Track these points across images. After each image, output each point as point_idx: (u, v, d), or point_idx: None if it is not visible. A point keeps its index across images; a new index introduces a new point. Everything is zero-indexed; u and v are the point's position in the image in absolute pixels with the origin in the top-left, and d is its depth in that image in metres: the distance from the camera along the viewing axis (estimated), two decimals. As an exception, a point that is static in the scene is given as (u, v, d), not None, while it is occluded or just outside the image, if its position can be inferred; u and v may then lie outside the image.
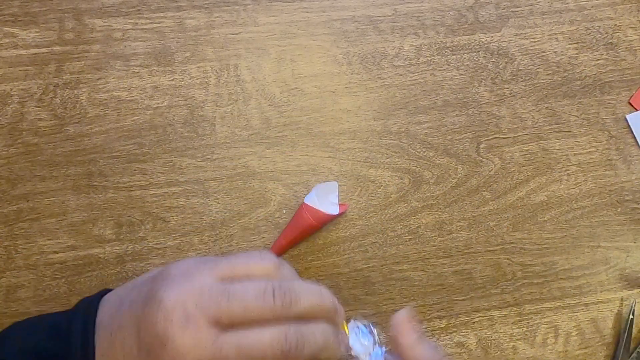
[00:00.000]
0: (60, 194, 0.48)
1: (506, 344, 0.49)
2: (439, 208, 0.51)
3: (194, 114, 0.50)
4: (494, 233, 0.51)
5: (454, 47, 0.53)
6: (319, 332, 0.29)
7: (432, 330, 0.49)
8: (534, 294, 0.50)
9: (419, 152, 0.51)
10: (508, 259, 0.50)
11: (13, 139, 0.49)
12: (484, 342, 0.49)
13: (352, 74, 0.52)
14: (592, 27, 0.55)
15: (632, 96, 0.54)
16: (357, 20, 0.53)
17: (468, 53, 0.53)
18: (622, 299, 0.50)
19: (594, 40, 0.55)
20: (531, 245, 0.51)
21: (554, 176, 0.52)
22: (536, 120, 0.53)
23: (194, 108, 0.50)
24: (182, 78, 0.51)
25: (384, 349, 0.33)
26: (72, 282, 0.47)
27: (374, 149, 0.51)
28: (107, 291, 0.32)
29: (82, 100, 0.50)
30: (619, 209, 0.52)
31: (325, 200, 0.47)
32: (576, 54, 0.54)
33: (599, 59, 0.54)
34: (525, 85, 0.53)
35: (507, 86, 0.53)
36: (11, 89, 0.49)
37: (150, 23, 0.51)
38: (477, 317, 0.49)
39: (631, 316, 0.49)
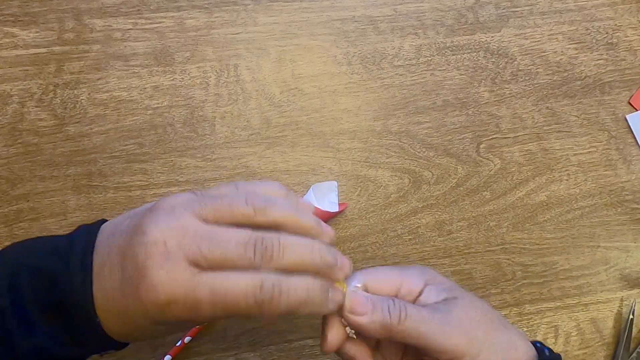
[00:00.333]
0: (60, 194, 0.48)
1: (506, 344, 0.49)
2: (439, 208, 0.51)
3: (194, 114, 0.50)
4: (494, 233, 0.51)
5: (454, 47, 0.53)
6: (301, 287, 0.29)
7: (432, 330, 0.49)
8: (534, 294, 0.50)
9: (419, 152, 0.51)
10: (508, 259, 0.50)
11: (13, 139, 0.49)
12: (484, 342, 0.49)
13: (352, 74, 0.52)
14: (592, 27, 0.55)
15: (632, 96, 0.54)
16: (357, 20, 0.53)
17: (468, 53, 0.53)
18: (622, 299, 0.50)
19: (594, 40, 0.55)
20: (531, 245, 0.51)
21: (554, 176, 0.52)
22: (536, 120, 0.53)
23: (194, 108, 0.50)
24: (182, 78, 0.51)
25: None
26: (72, 282, 0.47)
27: (374, 149, 0.51)
28: (104, 221, 0.33)
29: (82, 100, 0.50)
30: (619, 209, 0.52)
31: (324, 199, 0.47)
32: (576, 54, 0.54)
33: (599, 59, 0.54)
34: (525, 85, 0.53)
35: (507, 86, 0.53)
36: (11, 89, 0.49)
37: (150, 23, 0.51)
38: (477, 317, 0.49)
39: (631, 316, 0.49)
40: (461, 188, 0.51)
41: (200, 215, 0.29)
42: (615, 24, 0.55)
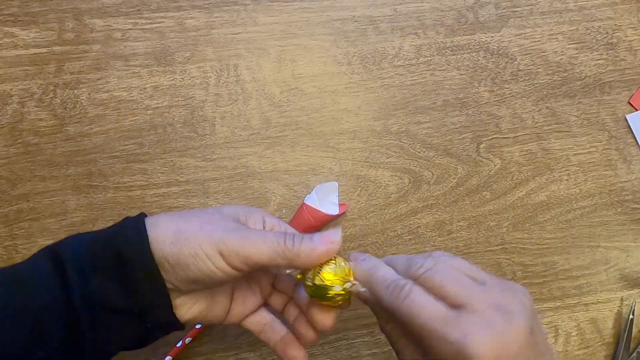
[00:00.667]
0: (60, 194, 0.48)
1: (506, 344, 0.49)
2: (439, 208, 0.51)
3: (194, 114, 0.50)
4: (494, 233, 0.51)
5: (454, 47, 0.53)
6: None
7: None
8: (534, 294, 0.50)
9: (419, 152, 0.51)
10: (508, 259, 0.50)
11: (13, 139, 0.49)
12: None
13: (352, 74, 0.52)
14: (592, 27, 0.55)
15: (632, 96, 0.54)
16: (357, 20, 0.53)
17: (468, 53, 0.53)
18: (622, 299, 0.50)
19: (594, 40, 0.55)
20: (531, 245, 0.51)
21: (554, 176, 0.52)
22: (536, 120, 0.53)
23: (194, 108, 0.50)
24: (182, 78, 0.51)
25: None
26: (72, 282, 0.47)
27: (374, 149, 0.51)
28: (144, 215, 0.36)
29: (82, 100, 0.50)
30: (619, 209, 0.52)
31: (325, 200, 0.47)
32: (576, 54, 0.54)
33: (599, 59, 0.54)
34: (525, 85, 0.53)
35: (507, 86, 0.53)
36: (11, 89, 0.49)
37: (150, 23, 0.51)
38: (477, 317, 0.49)
39: (631, 316, 0.49)
40: (461, 188, 0.51)
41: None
42: (615, 24, 0.55)
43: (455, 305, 0.29)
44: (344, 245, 0.49)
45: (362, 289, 0.33)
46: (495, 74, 0.53)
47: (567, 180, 0.52)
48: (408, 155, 0.51)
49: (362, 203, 0.50)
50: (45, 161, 0.48)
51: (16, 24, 0.50)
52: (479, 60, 0.53)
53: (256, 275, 0.39)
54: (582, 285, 0.50)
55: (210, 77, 0.51)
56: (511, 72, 0.53)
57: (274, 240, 0.33)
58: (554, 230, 0.51)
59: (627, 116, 0.53)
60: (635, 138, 0.53)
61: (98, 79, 0.50)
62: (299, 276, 0.35)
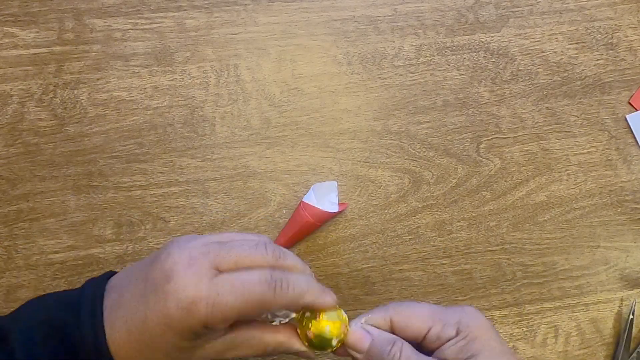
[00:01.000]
0: (60, 194, 0.48)
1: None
2: (439, 208, 0.51)
3: (194, 114, 0.50)
4: (494, 233, 0.51)
5: (454, 47, 0.53)
6: (302, 279, 0.33)
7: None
8: (534, 294, 0.50)
9: (419, 152, 0.51)
10: (508, 259, 0.50)
11: (13, 139, 0.49)
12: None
13: (352, 74, 0.52)
14: (592, 27, 0.55)
15: (632, 96, 0.54)
16: (357, 20, 0.53)
17: (468, 53, 0.53)
18: (622, 299, 0.50)
19: (594, 40, 0.55)
20: (531, 245, 0.51)
21: (554, 176, 0.52)
22: (536, 120, 0.53)
23: (194, 108, 0.50)
24: (182, 78, 0.51)
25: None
26: (72, 282, 0.47)
27: (374, 149, 0.51)
28: (112, 273, 0.35)
29: (82, 100, 0.50)
30: (619, 209, 0.52)
31: (324, 199, 0.47)
32: (576, 54, 0.54)
33: (599, 59, 0.54)
34: (525, 85, 0.53)
35: (507, 86, 0.53)
36: (11, 89, 0.49)
37: (150, 23, 0.51)
38: (477, 317, 0.49)
39: (631, 316, 0.49)
40: (461, 188, 0.51)
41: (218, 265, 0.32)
42: (615, 24, 0.55)
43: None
44: (344, 246, 0.49)
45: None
46: (495, 74, 0.53)
47: (567, 180, 0.52)
48: (408, 155, 0.51)
49: (362, 203, 0.50)
50: (45, 161, 0.48)
51: (16, 24, 0.50)
52: (479, 60, 0.53)
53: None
54: (582, 285, 0.50)
55: (210, 77, 0.51)
56: (511, 72, 0.53)
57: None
58: (554, 230, 0.51)
59: (627, 116, 0.53)
60: (635, 138, 0.53)
61: (98, 79, 0.50)
62: (296, 317, 0.35)
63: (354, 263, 0.49)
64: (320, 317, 0.34)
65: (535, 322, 0.50)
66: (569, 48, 0.54)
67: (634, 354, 0.49)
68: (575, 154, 0.53)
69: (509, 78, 0.53)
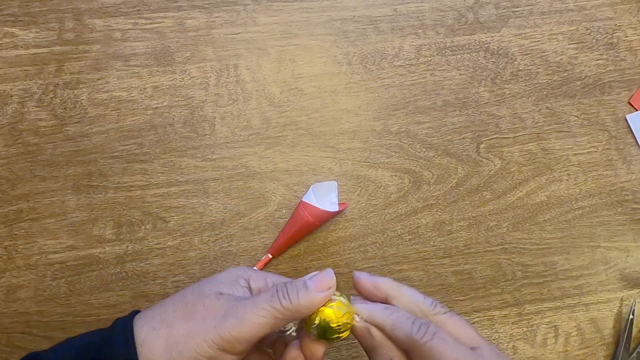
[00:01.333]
0: (60, 194, 0.48)
1: (506, 344, 0.49)
2: (439, 208, 0.51)
3: (194, 114, 0.50)
4: (494, 233, 0.51)
5: (454, 47, 0.53)
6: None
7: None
8: (534, 294, 0.50)
9: (419, 152, 0.51)
10: (508, 259, 0.50)
11: (13, 139, 0.49)
12: (484, 342, 0.49)
13: (352, 74, 0.52)
14: (592, 27, 0.55)
15: (632, 96, 0.54)
16: (357, 20, 0.53)
17: (468, 53, 0.53)
18: (622, 299, 0.50)
19: (594, 40, 0.55)
20: (531, 245, 0.51)
21: (554, 176, 0.52)
22: (536, 120, 0.53)
23: (194, 108, 0.50)
24: (182, 78, 0.51)
25: None
26: (72, 282, 0.47)
27: (374, 149, 0.51)
28: (137, 311, 0.35)
29: (82, 100, 0.50)
30: (619, 209, 0.52)
31: (324, 199, 0.47)
32: (576, 54, 0.54)
33: (599, 59, 0.54)
34: (525, 85, 0.53)
35: (507, 86, 0.53)
36: (11, 89, 0.49)
37: (150, 23, 0.51)
38: (477, 317, 0.49)
39: (631, 316, 0.49)
40: (461, 188, 0.51)
41: None
42: (615, 24, 0.55)
43: (472, 348, 0.31)
44: (344, 246, 0.49)
45: (363, 324, 0.33)
46: (495, 74, 0.53)
47: (567, 180, 0.52)
48: (408, 155, 0.51)
49: (362, 203, 0.50)
50: (45, 161, 0.48)
51: (16, 24, 0.50)
52: (479, 60, 0.53)
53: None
54: (582, 285, 0.50)
55: (210, 77, 0.51)
56: (511, 72, 0.53)
57: (269, 307, 0.32)
58: (554, 230, 0.51)
59: (627, 116, 0.53)
60: (635, 138, 0.53)
61: (98, 79, 0.50)
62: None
63: (354, 263, 0.49)
64: (324, 310, 0.33)
65: (535, 322, 0.50)
66: (569, 48, 0.54)
67: (634, 354, 0.49)
68: (575, 154, 0.53)
69: (509, 78, 0.53)
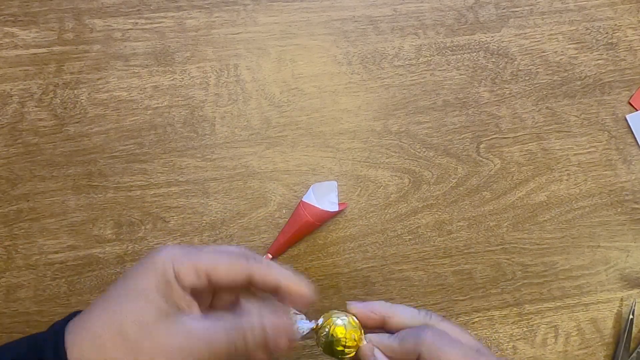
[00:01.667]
0: (60, 194, 0.48)
1: (506, 344, 0.49)
2: (439, 208, 0.51)
3: (194, 114, 0.50)
4: (494, 233, 0.51)
5: (454, 47, 0.53)
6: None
7: (432, 330, 0.49)
8: (534, 294, 0.50)
9: (419, 152, 0.51)
10: (508, 259, 0.50)
11: (13, 139, 0.49)
12: (484, 342, 0.49)
13: (352, 74, 0.52)
14: (592, 27, 0.55)
15: (632, 96, 0.54)
16: (357, 20, 0.53)
17: (468, 53, 0.53)
18: (622, 299, 0.50)
19: (594, 40, 0.55)
20: (531, 245, 0.51)
21: (554, 176, 0.52)
22: (536, 120, 0.53)
23: (194, 108, 0.50)
24: (182, 78, 0.51)
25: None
26: (72, 282, 0.47)
27: (374, 149, 0.51)
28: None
29: (82, 100, 0.50)
30: (619, 209, 0.52)
31: (324, 199, 0.48)
32: (576, 54, 0.54)
33: (599, 59, 0.54)
34: (525, 85, 0.53)
35: (507, 86, 0.53)
36: (11, 89, 0.49)
37: (150, 23, 0.51)
38: (477, 317, 0.49)
39: (631, 316, 0.49)
40: (461, 188, 0.51)
41: None
42: (615, 24, 0.55)
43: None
44: (344, 246, 0.49)
45: (369, 345, 0.35)
46: (495, 74, 0.53)
47: (567, 180, 0.52)
48: (408, 155, 0.51)
49: (362, 203, 0.50)
50: (45, 161, 0.48)
51: (16, 24, 0.50)
52: (479, 60, 0.53)
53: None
54: (582, 285, 0.50)
55: (210, 77, 0.51)
56: (511, 72, 0.53)
57: (226, 345, 0.30)
58: (554, 230, 0.51)
59: (627, 116, 0.53)
60: (635, 138, 0.53)
61: (98, 79, 0.50)
62: (314, 327, 0.35)
63: (354, 263, 0.49)
64: (336, 327, 0.34)
65: (535, 322, 0.50)
66: (569, 48, 0.54)
67: (634, 354, 0.49)
68: (575, 154, 0.53)
69: (509, 78, 0.53)
